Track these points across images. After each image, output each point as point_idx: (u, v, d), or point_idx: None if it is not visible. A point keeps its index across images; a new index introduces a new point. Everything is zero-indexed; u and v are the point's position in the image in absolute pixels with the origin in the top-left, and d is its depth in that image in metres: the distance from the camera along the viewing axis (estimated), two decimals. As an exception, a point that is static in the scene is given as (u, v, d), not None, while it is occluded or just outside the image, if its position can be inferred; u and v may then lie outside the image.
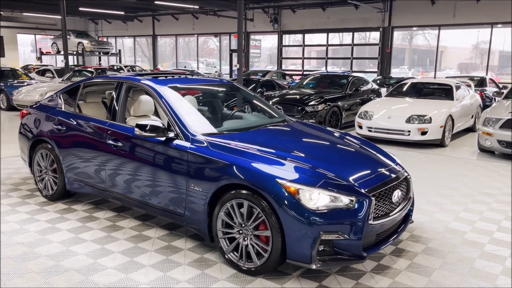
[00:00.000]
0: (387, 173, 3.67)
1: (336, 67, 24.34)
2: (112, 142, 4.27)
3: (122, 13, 26.60)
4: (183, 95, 4.54)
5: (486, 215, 4.81)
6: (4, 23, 28.84)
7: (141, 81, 4.41)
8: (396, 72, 22.14)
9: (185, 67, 27.19)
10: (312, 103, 10.05)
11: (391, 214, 3.48)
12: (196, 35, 27.37)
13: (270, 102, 10.93)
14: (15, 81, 14.78)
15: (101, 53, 29.10)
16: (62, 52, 28.86)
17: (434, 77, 19.61)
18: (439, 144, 8.71)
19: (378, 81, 17.35)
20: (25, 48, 33.50)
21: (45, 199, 5.13)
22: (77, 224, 4.44)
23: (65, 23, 15.90)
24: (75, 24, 32.66)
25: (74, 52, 27.47)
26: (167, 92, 4.20)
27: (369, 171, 3.58)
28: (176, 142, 3.81)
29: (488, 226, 4.49)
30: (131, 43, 32.40)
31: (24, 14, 27.97)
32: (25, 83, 14.24)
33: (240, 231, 3.43)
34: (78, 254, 3.76)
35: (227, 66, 26.16)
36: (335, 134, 4.53)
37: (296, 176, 3.26)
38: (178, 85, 4.51)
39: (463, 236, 4.23)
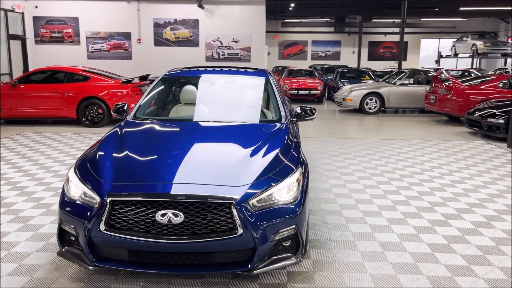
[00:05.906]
0: (167, 186, 2.91)
1: None
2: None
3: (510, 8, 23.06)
4: (192, 84, 4.80)
5: None
6: (409, 29, 31.43)
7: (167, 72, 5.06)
8: None
9: None
10: None
11: (154, 235, 2.80)
12: None
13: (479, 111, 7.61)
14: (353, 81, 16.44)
15: (500, 55, 26.35)
16: (459, 55, 28.45)
17: None
18: None
19: None
20: (429, 53, 35.05)
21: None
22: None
23: (404, 25, 16.23)
24: (485, 24, 30.88)
25: (469, 55, 26.32)
26: (160, 80, 4.73)
27: (152, 181, 2.99)
28: None
29: None
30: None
31: (423, 19, 29.41)
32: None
33: None
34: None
35: None
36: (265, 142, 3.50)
37: (80, 165, 3.27)
38: (181, 76, 4.85)
39: None
